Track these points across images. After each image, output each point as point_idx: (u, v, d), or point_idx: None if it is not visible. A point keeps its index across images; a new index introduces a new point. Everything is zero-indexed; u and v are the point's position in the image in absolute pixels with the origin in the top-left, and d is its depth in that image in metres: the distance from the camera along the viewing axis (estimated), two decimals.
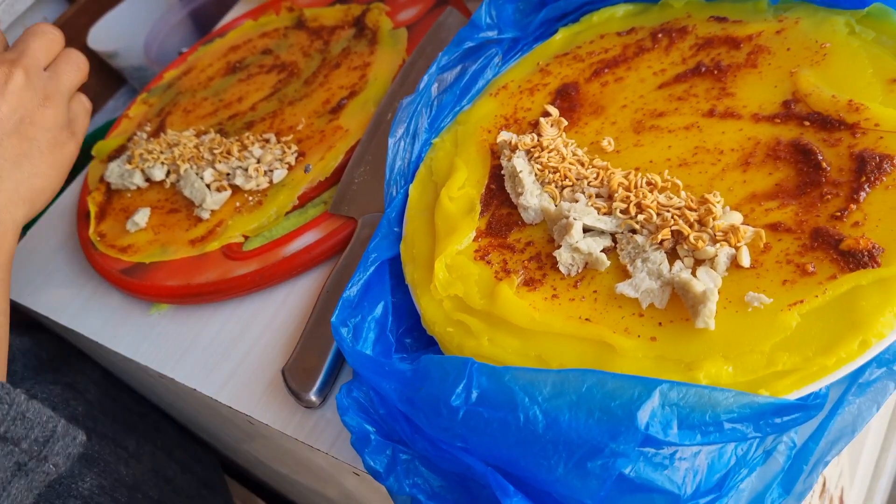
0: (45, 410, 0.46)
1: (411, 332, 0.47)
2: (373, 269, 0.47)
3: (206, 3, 1.21)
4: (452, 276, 0.45)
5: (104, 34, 1.19)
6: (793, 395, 0.35)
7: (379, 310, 0.46)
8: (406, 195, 0.52)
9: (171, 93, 0.81)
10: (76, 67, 0.57)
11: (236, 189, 0.64)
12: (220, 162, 0.66)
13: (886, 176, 0.39)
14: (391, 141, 0.53)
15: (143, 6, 1.23)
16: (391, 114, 0.54)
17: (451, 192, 0.49)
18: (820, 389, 0.36)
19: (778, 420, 0.35)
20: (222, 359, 0.56)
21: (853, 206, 0.39)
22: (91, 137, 0.90)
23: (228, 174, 0.65)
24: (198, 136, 0.72)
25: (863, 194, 0.39)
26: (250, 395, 0.52)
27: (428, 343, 0.46)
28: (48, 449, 0.45)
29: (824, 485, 0.79)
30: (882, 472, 1.14)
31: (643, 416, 0.34)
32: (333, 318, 0.44)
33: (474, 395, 0.37)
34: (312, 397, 0.48)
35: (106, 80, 1.29)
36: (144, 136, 0.76)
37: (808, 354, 0.36)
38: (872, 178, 0.40)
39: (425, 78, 0.54)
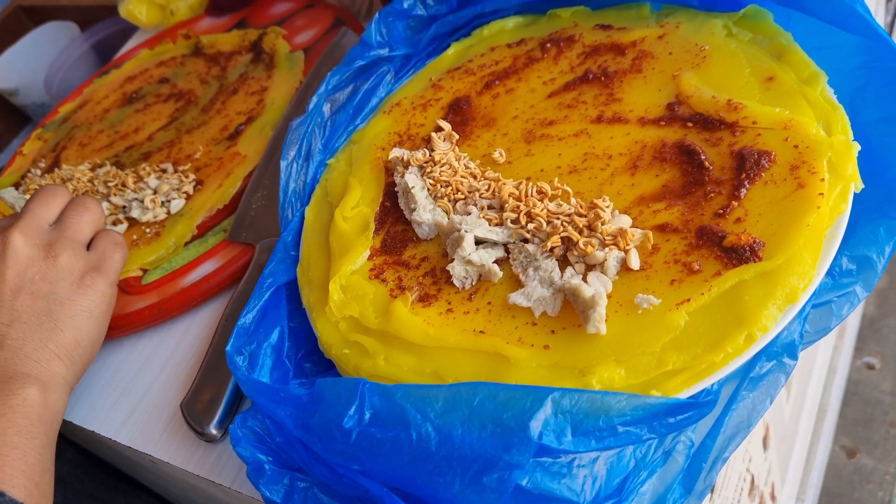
0: None
1: (310, 357, 0.45)
2: (269, 294, 0.46)
3: (108, 35, 1.18)
4: (347, 296, 0.44)
5: (4, 71, 1.16)
6: (684, 394, 0.36)
7: (275, 336, 0.44)
8: (302, 218, 0.51)
9: (66, 127, 0.78)
10: (83, 209, 0.53)
11: (133, 222, 0.62)
12: (115, 195, 0.64)
13: (765, 172, 0.40)
14: (283, 164, 0.52)
15: (45, 41, 1.20)
16: (284, 137, 0.53)
17: (345, 211, 0.48)
18: (711, 386, 0.36)
19: (671, 420, 0.35)
20: (122, 397, 0.53)
21: (735, 203, 0.40)
22: None
23: (125, 207, 0.63)
24: (93, 169, 0.69)
25: (743, 191, 0.40)
26: (151, 433, 0.50)
27: (327, 367, 0.45)
28: None
29: (752, 482, 0.80)
30: (813, 466, 1.16)
31: (536, 425, 0.33)
32: (228, 347, 0.43)
33: (367, 415, 0.36)
34: (213, 430, 0.47)
35: (9, 119, 1.25)
36: (39, 172, 0.73)
37: (696, 352, 0.36)
38: (752, 175, 0.40)
39: (315, 98, 0.53)
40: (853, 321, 1.33)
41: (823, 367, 1.21)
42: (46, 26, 1.21)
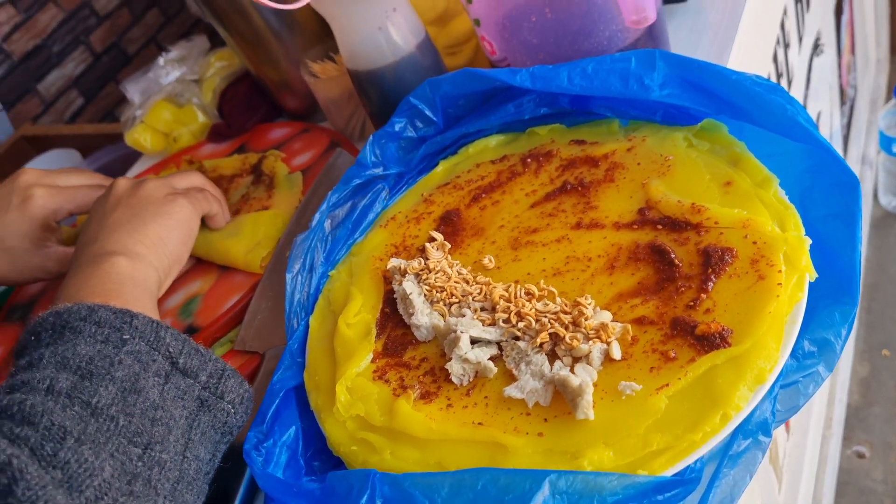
0: (208, 350, 0.48)
1: (319, 456, 0.48)
2: (279, 397, 0.49)
3: (110, 161, 1.24)
4: (353, 397, 0.47)
5: None
6: (669, 472, 0.39)
7: (289, 435, 0.48)
8: (307, 326, 0.55)
9: None
10: (191, 175, 0.67)
11: None
12: None
13: (728, 266, 0.45)
14: (289, 276, 0.56)
15: (49, 167, 1.26)
16: (289, 251, 0.58)
17: (347, 318, 0.52)
18: (694, 464, 0.39)
19: (660, 497, 0.38)
20: None
21: (703, 296, 0.44)
22: None
23: None
24: None
25: (711, 284, 0.44)
26: None
27: (335, 465, 0.48)
28: (223, 385, 0.46)
29: None
30: None
31: None
32: (245, 444, 0.46)
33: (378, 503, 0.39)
34: None
35: None
36: None
37: (677, 433, 0.39)
38: (717, 269, 0.45)
39: (317, 215, 0.58)
40: (839, 410, 1.36)
41: (814, 458, 1.23)
42: (50, 154, 1.27)
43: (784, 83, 0.90)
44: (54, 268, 0.66)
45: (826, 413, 1.34)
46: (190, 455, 0.43)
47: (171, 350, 0.45)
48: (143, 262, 0.55)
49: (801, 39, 0.99)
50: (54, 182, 0.66)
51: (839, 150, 1.34)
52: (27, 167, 0.65)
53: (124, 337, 0.44)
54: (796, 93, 0.98)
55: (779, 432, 0.99)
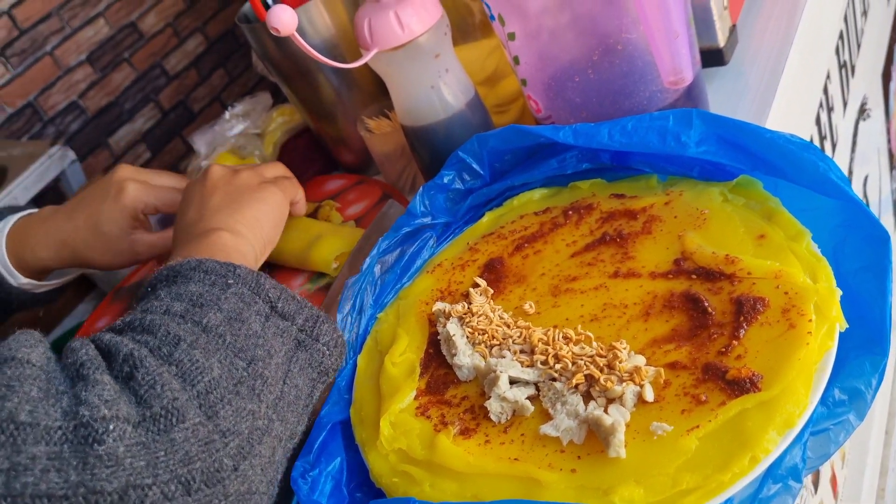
0: (303, 298, 0.53)
1: (361, 487, 0.50)
2: (326, 430, 0.52)
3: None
4: (396, 431, 0.50)
5: None
6: None
7: (334, 466, 0.50)
8: (355, 365, 0.58)
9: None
10: (276, 165, 0.72)
11: None
12: None
13: (760, 315, 0.46)
14: (339, 317, 0.59)
15: None
16: (340, 293, 0.61)
17: (393, 357, 0.55)
18: None
19: None
20: None
21: (735, 342, 0.46)
22: (59, 340, 0.95)
23: None
24: None
25: (742, 332, 0.46)
26: None
27: (376, 496, 0.50)
28: (318, 328, 0.52)
29: None
30: None
31: None
32: (293, 472, 0.48)
33: None
34: None
35: (75, 284, 1.36)
36: None
37: (707, 473, 0.41)
38: (749, 318, 0.46)
39: (367, 260, 0.61)
40: (892, 481, 1.32)
41: None
42: None
43: (828, 146, 0.91)
44: (143, 252, 0.72)
45: (878, 484, 1.31)
46: (290, 382, 0.48)
47: (270, 295, 0.51)
48: (243, 240, 0.60)
49: (845, 104, 1.01)
50: (146, 179, 0.72)
51: (890, 213, 1.33)
52: (123, 164, 0.73)
53: (229, 282, 0.50)
54: (841, 156, 0.99)
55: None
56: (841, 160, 0.98)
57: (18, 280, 0.70)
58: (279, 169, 0.72)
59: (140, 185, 0.71)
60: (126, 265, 0.74)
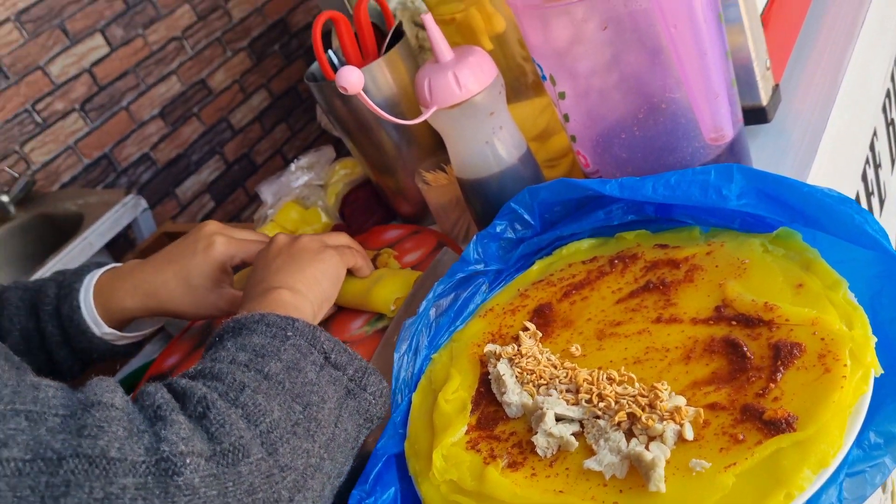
0: (354, 352, 0.58)
1: None
2: (382, 461, 0.55)
3: None
4: (448, 464, 0.53)
5: None
6: None
7: (389, 495, 0.53)
8: (409, 402, 0.61)
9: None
10: (339, 235, 0.78)
11: None
12: None
13: (797, 360, 0.48)
14: (396, 356, 0.62)
15: None
16: (397, 334, 0.64)
17: (446, 395, 0.58)
18: None
19: None
20: None
21: (772, 385, 0.48)
22: (128, 378, 1.00)
23: None
24: None
25: (779, 375, 0.48)
26: None
27: None
28: (366, 379, 0.57)
29: None
30: None
31: None
32: (350, 500, 0.52)
33: None
34: None
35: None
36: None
37: None
38: (786, 362, 0.49)
39: (423, 303, 0.65)
40: None
41: None
42: None
43: (875, 202, 0.93)
44: (225, 306, 0.76)
45: None
46: (340, 426, 0.53)
47: (324, 347, 0.56)
48: (302, 297, 0.66)
49: (893, 161, 1.02)
50: (231, 234, 0.77)
51: None
52: (209, 220, 0.79)
53: (288, 334, 0.56)
54: (890, 212, 1.00)
55: None
56: (891, 216, 1.00)
57: (102, 329, 0.74)
58: (342, 238, 0.77)
59: (227, 240, 0.76)
60: (209, 317, 0.79)
